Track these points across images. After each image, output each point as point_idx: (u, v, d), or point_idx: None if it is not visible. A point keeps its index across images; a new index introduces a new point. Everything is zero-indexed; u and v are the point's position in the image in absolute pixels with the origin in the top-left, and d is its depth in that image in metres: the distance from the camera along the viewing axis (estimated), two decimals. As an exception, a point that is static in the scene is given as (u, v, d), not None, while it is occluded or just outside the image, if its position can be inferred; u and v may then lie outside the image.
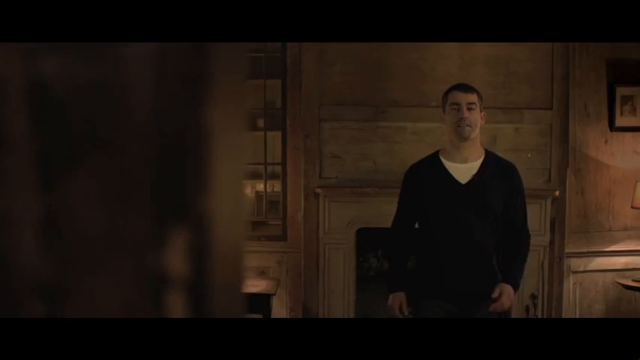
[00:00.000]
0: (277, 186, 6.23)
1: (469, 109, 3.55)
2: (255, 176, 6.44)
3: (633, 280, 5.65)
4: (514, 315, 5.61)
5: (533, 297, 5.66)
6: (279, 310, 5.90)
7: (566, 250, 5.81)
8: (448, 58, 5.60)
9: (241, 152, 0.58)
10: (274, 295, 5.42)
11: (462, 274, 3.52)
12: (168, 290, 0.53)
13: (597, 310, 5.98)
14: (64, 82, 0.50)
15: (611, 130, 5.94)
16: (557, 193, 5.66)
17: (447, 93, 3.67)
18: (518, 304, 5.66)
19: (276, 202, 6.23)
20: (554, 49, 5.64)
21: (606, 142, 5.95)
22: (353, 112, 5.65)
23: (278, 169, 6.12)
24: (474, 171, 3.58)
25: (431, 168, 3.64)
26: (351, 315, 5.66)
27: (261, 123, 6.23)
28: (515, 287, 3.59)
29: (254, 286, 5.47)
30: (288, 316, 5.93)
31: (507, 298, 3.48)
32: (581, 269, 5.94)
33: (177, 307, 0.53)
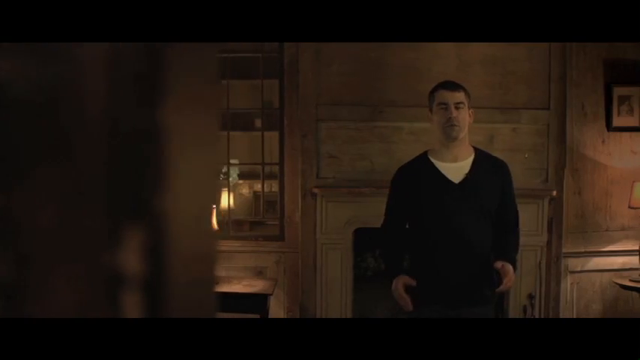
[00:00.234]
0: (275, 186, 6.23)
1: (457, 108, 3.51)
2: (252, 176, 6.44)
3: (630, 280, 5.65)
4: (511, 315, 5.62)
5: (531, 297, 5.66)
6: (277, 310, 5.89)
7: (564, 250, 5.81)
8: (445, 58, 5.60)
9: (207, 152, 0.57)
10: (271, 295, 5.42)
11: (460, 274, 3.48)
12: (123, 289, 0.52)
13: (594, 310, 5.98)
14: (19, 83, 0.50)
15: (608, 130, 5.94)
16: (554, 193, 5.66)
17: (433, 92, 3.63)
18: (516, 304, 5.67)
19: (273, 202, 6.23)
20: (551, 49, 5.65)
21: (603, 142, 5.95)
22: (350, 112, 5.65)
23: (275, 169, 6.12)
24: (466, 170, 3.54)
25: (421, 169, 3.59)
26: (349, 315, 5.66)
27: (258, 123, 6.23)
28: (514, 265, 3.51)
29: (251, 286, 5.47)
30: (285, 316, 5.93)
31: (510, 279, 3.43)
32: (579, 269, 5.94)
33: (132, 306, 0.53)
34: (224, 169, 6.32)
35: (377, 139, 5.64)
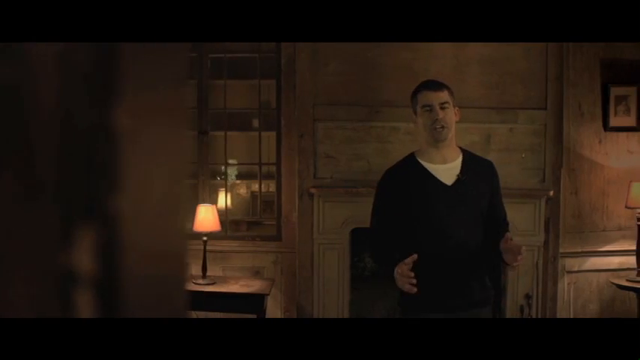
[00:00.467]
0: (272, 186, 6.24)
1: (442, 108, 3.41)
2: (250, 176, 6.44)
3: (627, 280, 5.66)
4: (509, 315, 5.62)
5: (528, 297, 5.66)
6: (274, 310, 5.90)
7: (561, 250, 5.82)
8: (442, 58, 5.60)
9: (171, 152, 0.57)
10: (268, 295, 5.42)
11: (455, 278, 3.39)
12: (76, 288, 0.52)
13: (591, 310, 5.99)
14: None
15: (605, 130, 5.95)
16: (551, 193, 5.67)
17: (415, 93, 3.52)
18: (513, 304, 5.67)
19: (271, 202, 6.24)
20: (548, 49, 5.65)
21: (600, 142, 5.96)
22: (347, 112, 5.65)
23: (273, 169, 6.12)
24: (457, 171, 3.45)
25: (411, 171, 3.49)
26: (346, 315, 5.66)
27: (256, 123, 6.23)
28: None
29: (248, 286, 5.48)
30: (282, 316, 5.93)
31: (522, 255, 3.21)
32: (576, 269, 5.95)
33: (85, 305, 0.53)
34: (222, 169, 6.32)
35: (374, 139, 5.65)
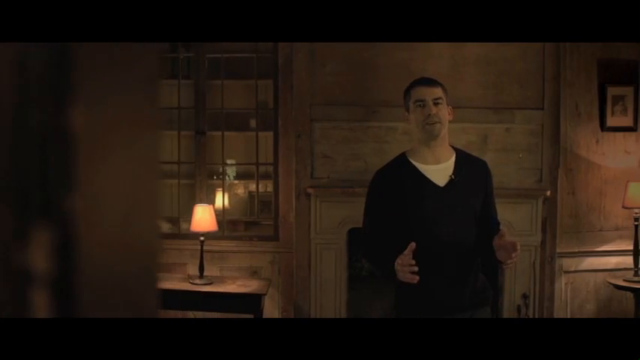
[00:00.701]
0: (270, 186, 6.23)
1: (436, 104, 3.35)
2: (247, 176, 6.44)
3: (624, 280, 5.66)
4: (506, 315, 5.62)
5: (525, 297, 5.67)
6: (272, 310, 5.90)
7: (558, 250, 5.82)
8: (439, 58, 5.60)
9: (136, 151, 0.57)
10: (265, 295, 5.42)
11: (449, 278, 3.33)
12: (32, 287, 0.52)
13: (588, 310, 5.99)
14: None
15: (602, 130, 5.95)
16: (548, 193, 5.67)
17: (408, 89, 3.47)
18: (510, 303, 5.68)
19: (268, 202, 6.23)
20: (545, 48, 5.66)
21: (597, 142, 5.96)
22: (344, 112, 5.65)
23: (270, 169, 6.12)
24: (450, 171, 3.39)
25: (403, 172, 3.42)
26: (343, 315, 5.66)
27: (253, 123, 6.23)
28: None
29: (245, 286, 5.48)
30: (279, 316, 5.93)
31: (517, 252, 3.13)
32: (573, 269, 5.95)
33: (41, 303, 0.52)
34: (219, 170, 6.32)
35: (371, 139, 5.65)
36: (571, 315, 5.93)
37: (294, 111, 5.75)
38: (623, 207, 5.79)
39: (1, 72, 0.51)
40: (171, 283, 5.50)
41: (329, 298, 5.68)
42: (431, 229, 3.32)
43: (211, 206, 5.65)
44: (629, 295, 5.71)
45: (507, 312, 5.64)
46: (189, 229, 5.61)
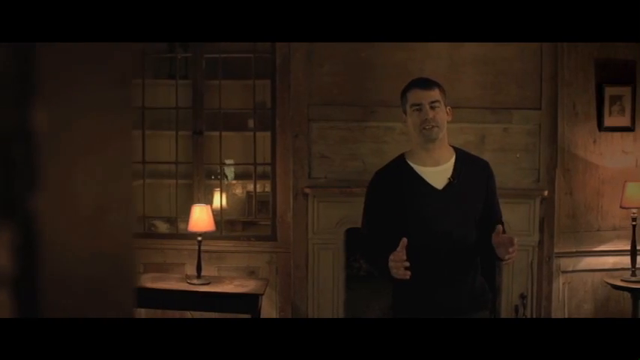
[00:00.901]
0: (267, 186, 6.23)
1: (433, 107, 3.29)
2: (245, 176, 6.43)
3: (622, 280, 5.66)
4: (503, 315, 5.63)
5: (522, 297, 5.67)
6: (269, 310, 5.90)
7: (555, 250, 5.82)
8: (437, 58, 5.60)
9: (106, 152, 0.56)
10: (262, 295, 5.42)
11: (447, 280, 3.32)
12: None
13: (586, 310, 5.99)
14: None
15: (599, 130, 5.96)
16: (545, 193, 5.67)
17: (405, 92, 3.41)
18: (508, 304, 5.68)
19: (266, 202, 6.23)
20: (542, 48, 5.66)
21: (595, 142, 5.97)
22: (342, 112, 5.65)
23: (268, 169, 6.12)
24: (448, 174, 3.34)
25: (401, 174, 3.37)
26: (340, 315, 5.66)
27: (251, 123, 6.22)
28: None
29: (243, 286, 5.48)
30: (277, 316, 5.93)
31: (514, 248, 3.11)
32: (570, 269, 5.95)
33: (3, 304, 0.52)
34: (217, 170, 6.32)
35: (368, 139, 5.65)
36: (568, 315, 5.93)
37: (292, 111, 5.75)
38: (621, 207, 5.79)
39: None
40: (169, 283, 5.50)
41: (326, 298, 5.68)
42: (428, 231, 3.30)
43: (209, 206, 5.65)
44: (627, 295, 5.71)
45: (505, 312, 5.64)
46: (186, 229, 5.61)
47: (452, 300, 3.33)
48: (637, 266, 5.69)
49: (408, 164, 3.39)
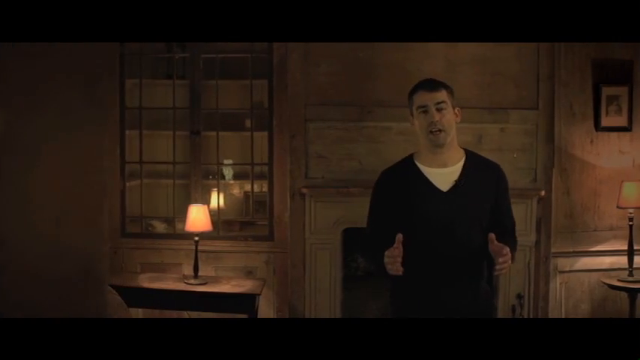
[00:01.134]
0: (265, 186, 6.23)
1: (439, 109, 3.27)
2: (243, 176, 6.43)
3: (619, 280, 5.67)
4: (500, 315, 5.63)
5: (520, 297, 5.67)
6: (267, 309, 5.90)
7: (552, 250, 5.82)
8: (434, 58, 5.60)
9: (68, 152, 0.57)
10: (259, 295, 5.42)
11: (448, 282, 3.28)
12: None
13: (583, 310, 6.00)
14: None
15: (596, 130, 5.97)
16: (542, 193, 5.67)
17: (411, 93, 3.38)
18: (505, 303, 5.68)
19: (263, 202, 6.23)
20: (539, 49, 5.66)
21: (592, 142, 5.97)
22: (339, 112, 5.65)
23: (265, 169, 6.12)
24: (455, 176, 3.30)
25: (407, 175, 3.35)
26: (338, 315, 5.66)
27: (248, 123, 6.22)
28: (512, 260, 3.21)
29: (240, 286, 5.48)
30: (274, 316, 5.93)
31: (505, 259, 3.10)
32: (567, 269, 5.96)
33: None
34: (214, 170, 6.32)
35: (365, 139, 5.65)
36: (565, 315, 5.94)
37: (289, 111, 5.75)
38: (618, 207, 5.80)
39: None
40: (166, 283, 5.50)
41: (324, 298, 5.68)
42: (431, 232, 3.27)
43: (206, 206, 5.65)
44: (624, 294, 5.72)
45: (502, 312, 5.64)
46: (184, 229, 5.61)
47: (454, 300, 3.30)
48: (634, 266, 5.70)
49: (416, 165, 3.36)
